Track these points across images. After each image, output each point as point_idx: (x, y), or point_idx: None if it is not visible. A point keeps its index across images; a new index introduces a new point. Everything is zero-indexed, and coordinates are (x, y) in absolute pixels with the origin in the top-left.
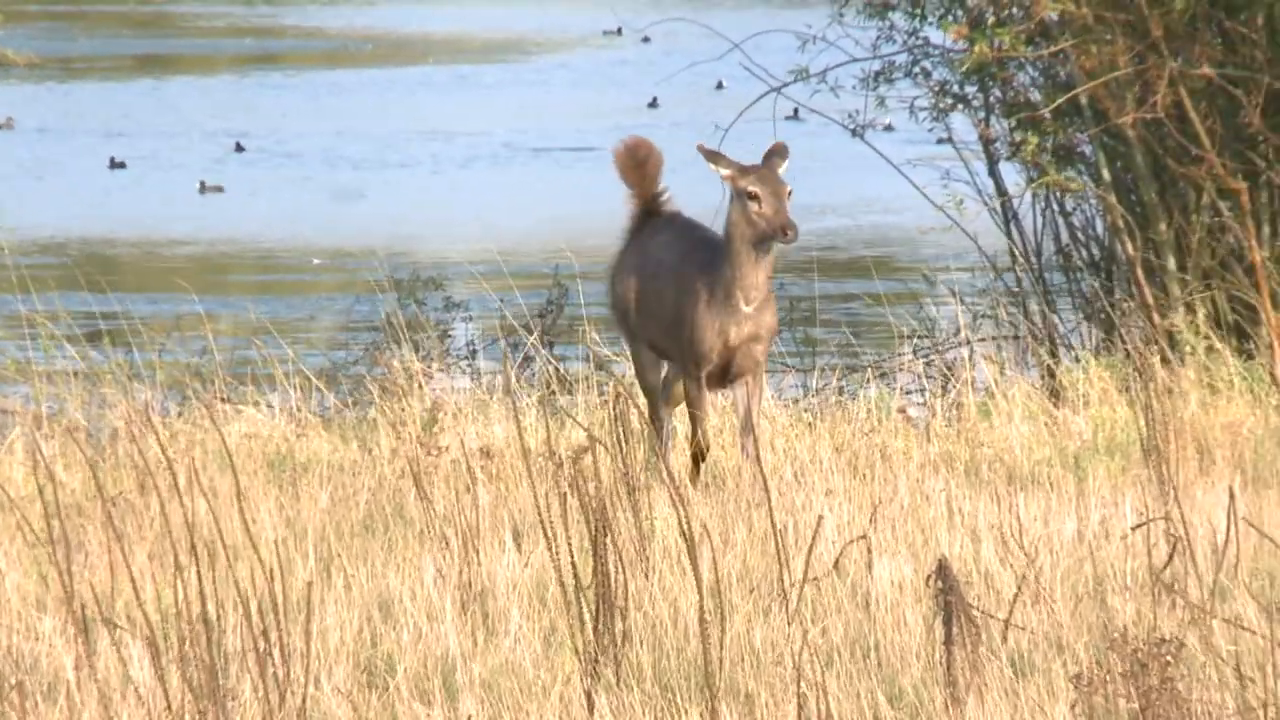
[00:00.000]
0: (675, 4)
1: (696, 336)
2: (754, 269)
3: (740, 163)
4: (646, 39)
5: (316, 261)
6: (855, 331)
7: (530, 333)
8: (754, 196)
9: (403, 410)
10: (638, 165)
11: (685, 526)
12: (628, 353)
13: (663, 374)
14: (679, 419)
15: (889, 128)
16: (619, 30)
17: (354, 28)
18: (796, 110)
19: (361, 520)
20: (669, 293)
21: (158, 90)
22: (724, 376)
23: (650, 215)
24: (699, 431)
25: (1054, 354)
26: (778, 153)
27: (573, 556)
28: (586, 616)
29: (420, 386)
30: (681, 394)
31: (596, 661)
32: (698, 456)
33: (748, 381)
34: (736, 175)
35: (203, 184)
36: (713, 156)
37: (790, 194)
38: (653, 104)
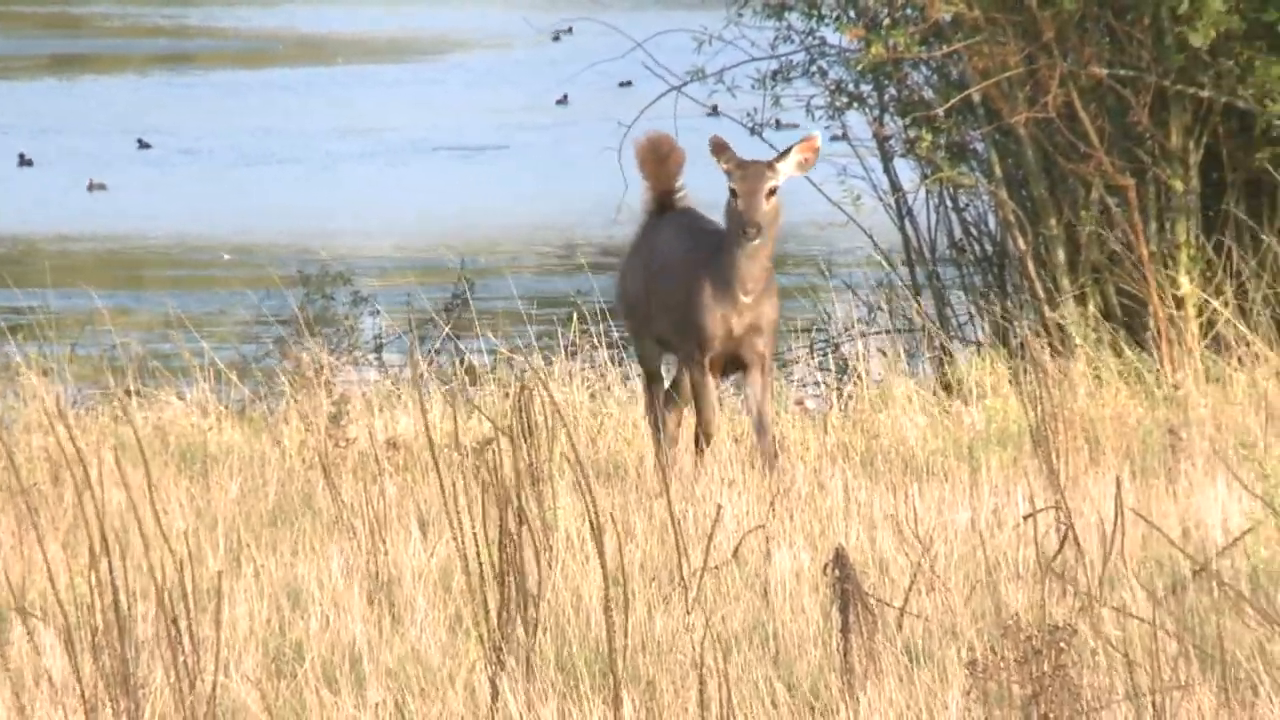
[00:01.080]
0: (575, 5)
1: (699, 323)
2: (748, 261)
3: (741, 157)
4: (557, 37)
5: (227, 257)
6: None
7: (436, 326)
8: (733, 192)
9: (311, 403)
10: (660, 160)
11: (592, 516)
12: (634, 349)
13: (668, 372)
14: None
15: (789, 125)
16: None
17: (264, 29)
18: (715, 108)
19: (271, 511)
20: (675, 285)
21: (69, 89)
22: (728, 366)
23: (664, 209)
24: (703, 420)
25: (947, 347)
26: (809, 147)
27: (478, 546)
28: (491, 605)
29: (328, 379)
30: (685, 399)
31: (501, 649)
32: (699, 442)
33: (755, 379)
34: (732, 169)
35: (90, 182)
36: (718, 149)
37: (773, 191)
38: (562, 101)
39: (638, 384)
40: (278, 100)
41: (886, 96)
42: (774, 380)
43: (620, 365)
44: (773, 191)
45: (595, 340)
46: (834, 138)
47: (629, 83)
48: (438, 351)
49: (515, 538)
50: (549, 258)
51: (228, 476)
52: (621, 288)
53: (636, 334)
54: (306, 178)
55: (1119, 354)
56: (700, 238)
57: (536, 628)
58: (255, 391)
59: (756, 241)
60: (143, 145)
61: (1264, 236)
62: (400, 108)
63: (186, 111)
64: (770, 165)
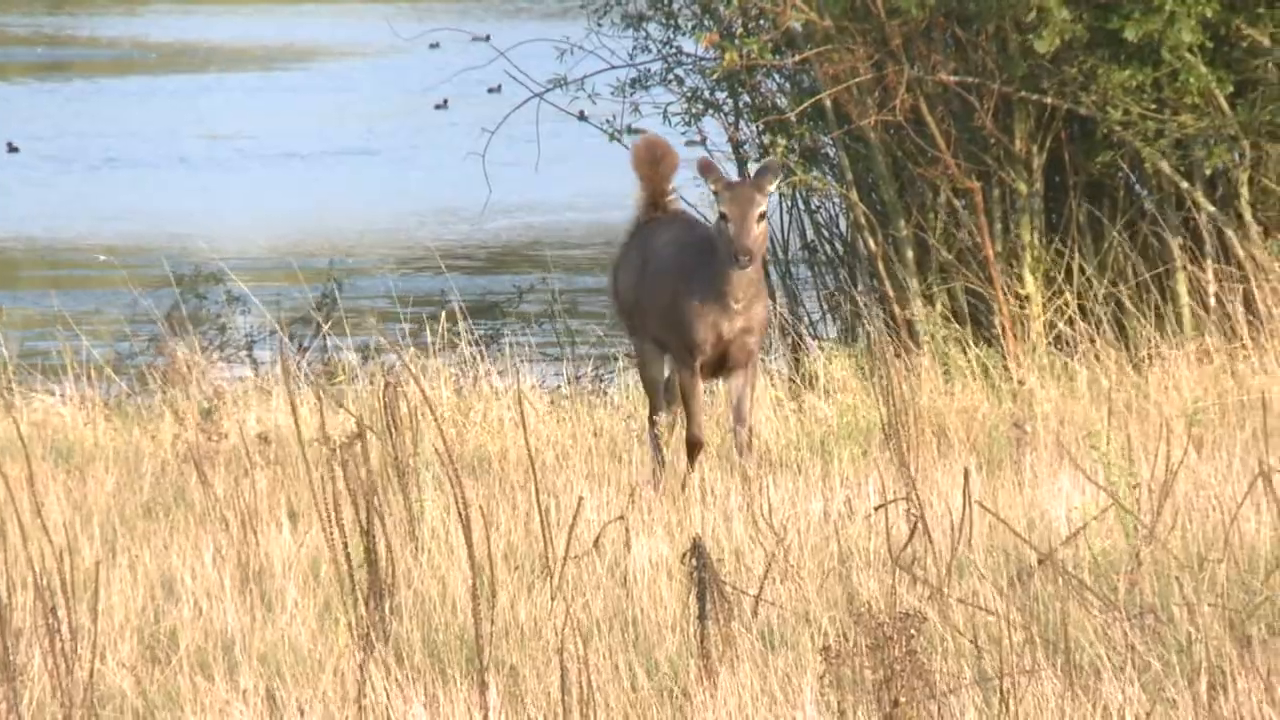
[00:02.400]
0: (445, 15)
1: (690, 328)
2: (739, 275)
3: (728, 179)
4: (436, 45)
5: (103, 258)
6: (612, 323)
7: (307, 325)
8: (724, 215)
9: (184, 399)
10: (654, 163)
11: (458, 508)
12: (632, 349)
13: (665, 371)
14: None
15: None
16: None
17: (134, 37)
18: (583, 112)
19: (145, 504)
20: (666, 289)
21: None
22: (718, 368)
23: (656, 210)
24: (694, 424)
25: (800, 344)
26: (770, 170)
27: (346, 537)
28: (359, 594)
29: (201, 376)
30: (679, 389)
31: (369, 637)
32: (693, 448)
33: (739, 374)
34: (720, 191)
35: None
36: (706, 170)
37: (763, 216)
38: (442, 105)
39: (499, 380)
40: (148, 106)
41: (741, 103)
42: (758, 375)
43: (484, 361)
44: (762, 216)
45: (460, 337)
46: (690, 143)
47: (498, 88)
48: (306, 349)
49: (382, 529)
50: (418, 258)
51: (104, 471)
52: (615, 290)
53: (634, 335)
54: (177, 181)
55: (966, 351)
56: (693, 244)
57: (404, 615)
58: (130, 388)
59: (750, 269)
60: (12, 149)
61: (1109, 234)
62: (271, 114)
63: (57, 117)
64: (759, 188)
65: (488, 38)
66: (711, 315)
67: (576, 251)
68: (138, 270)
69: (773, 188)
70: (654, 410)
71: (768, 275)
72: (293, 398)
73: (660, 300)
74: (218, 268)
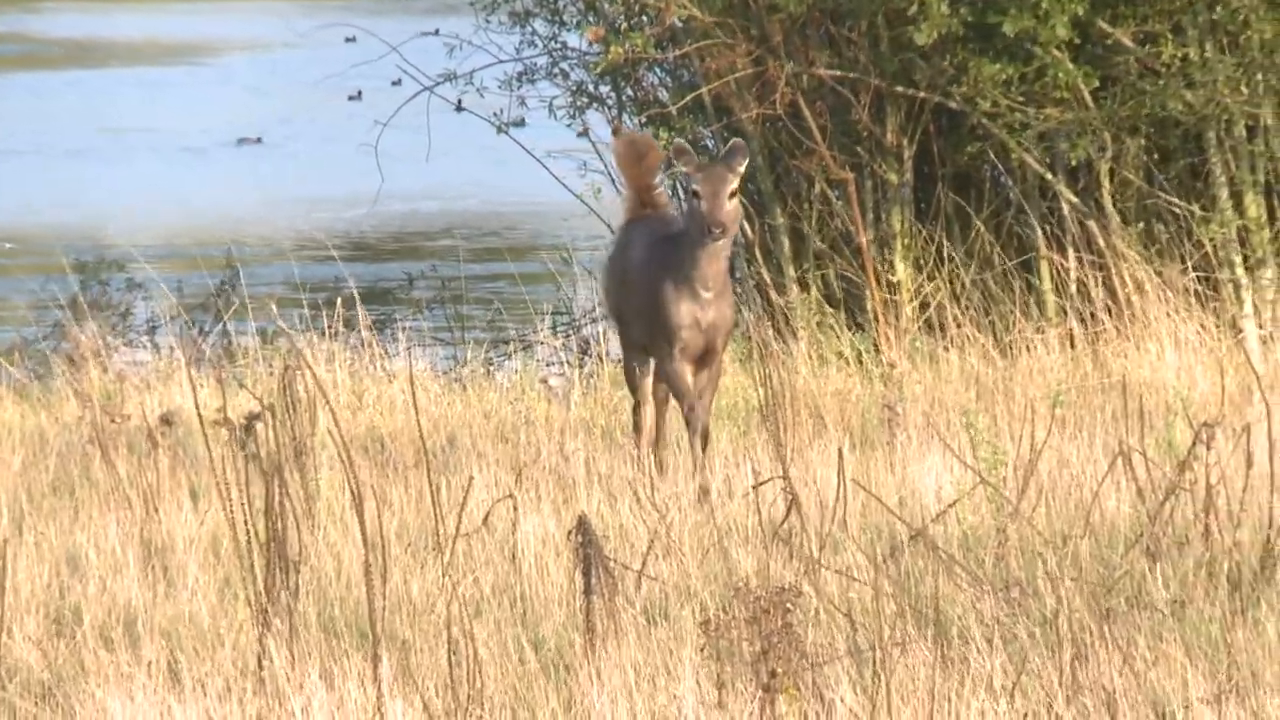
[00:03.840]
0: (336, 11)
1: (669, 316)
2: (708, 260)
3: (701, 161)
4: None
5: (9, 245)
6: (501, 309)
7: (207, 310)
8: (696, 194)
9: (88, 382)
10: (637, 159)
11: (352, 487)
12: (621, 356)
13: (650, 378)
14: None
15: (522, 122)
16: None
17: (34, 33)
18: (460, 102)
19: (51, 483)
20: (643, 288)
21: None
22: (701, 360)
23: (645, 207)
24: (695, 417)
25: None
26: (739, 150)
27: (245, 515)
28: (258, 570)
29: (104, 360)
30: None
31: (267, 612)
32: (700, 439)
33: (704, 372)
34: (692, 172)
35: None
36: (679, 153)
37: (735, 194)
38: (356, 97)
39: (393, 363)
40: (51, 100)
41: (624, 96)
42: (720, 377)
43: (377, 345)
44: (733, 194)
45: (355, 323)
46: (578, 134)
47: (399, 81)
48: (207, 333)
49: (279, 507)
50: (315, 246)
51: (9, 451)
52: (605, 296)
53: (622, 340)
54: (80, 173)
55: (840, 335)
56: (663, 240)
57: (300, 591)
58: (35, 371)
59: (721, 241)
60: None
61: (976, 224)
62: (173, 107)
63: None
64: (730, 167)
65: (353, 39)
66: (685, 303)
67: (465, 240)
68: (42, 258)
69: (743, 167)
70: (636, 412)
71: None
72: (193, 381)
73: (640, 302)
74: (120, 255)
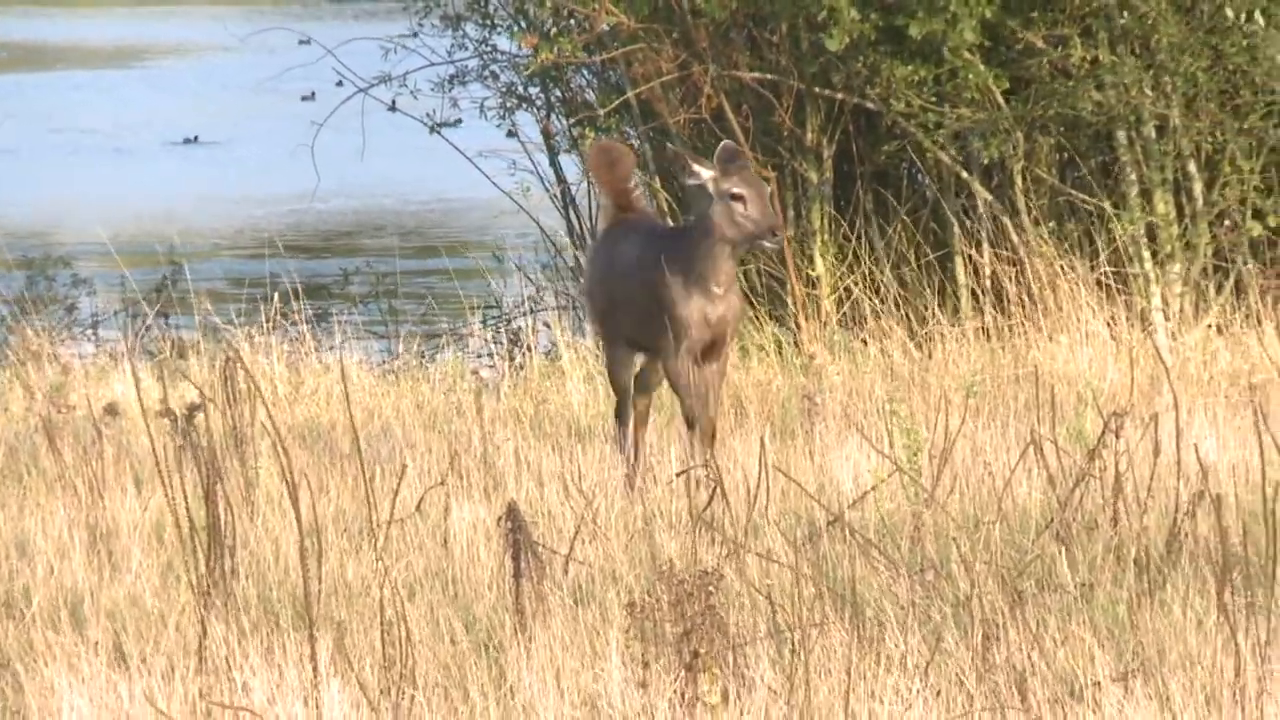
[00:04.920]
0: (276, 15)
1: (678, 316)
2: (727, 261)
3: (724, 164)
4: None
5: None
6: (433, 303)
7: (150, 305)
8: (739, 198)
9: (35, 373)
10: (610, 166)
11: (289, 475)
12: (604, 356)
13: (634, 372)
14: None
15: (458, 122)
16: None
17: None
18: (394, 102)
19: (0, 470)
20: (641, 288)
21: None
22: (707, 355)
23: (623, 212)
24: (689, 410)
25: None
26: (739, 154)
27: (187, 502)
28: (199, 554)
29: (51, 352)
30: (655, 383)
31: (208, 594)
32: (703, 440)
33: (712, 366)
34: (720, 177)
35: None
36: (691, 160)
37: (771, 194)
38: (309, 97)
39: (330, 356)
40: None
41: (553, 98)
42: (728, 367)
43: (314, 338)
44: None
45: (293, 316)
46: (508, 135)
47: (340, 83)
48: (149, 327)
49: (221, 494)
50: (253, 243)
51: None
52: (589, 298)
53: (608, 340)
54: (30, 173)
55: (762, 328)
56: (660, 240)
57: (241, 574)
58: None
59: (775, 245)
60: None
61: (894, 220)
62: (117, 108)
63: None
64: (750, 166)
65: (307, 41)
66: (696, 300)
67: (399, 236)
68: None
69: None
70: (621, 413)
71: (576, 257)
72: (136, 372)
73: (637, 302)
74: (66, 252)
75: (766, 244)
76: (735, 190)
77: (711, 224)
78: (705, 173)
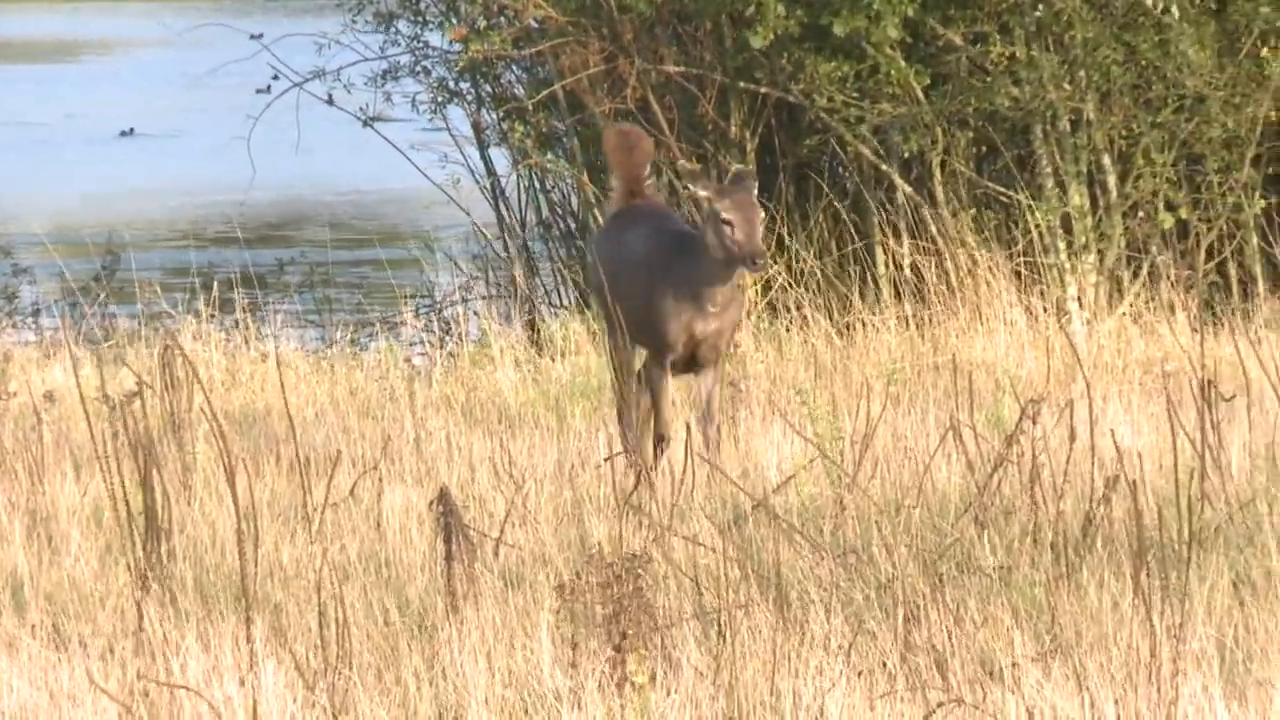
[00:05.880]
0: (211, 11)
1: (663, 328)
2: (722, 281)
3: (718, 184)
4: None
5: None
6: (366, 292)
7: (88, 293)
8: (727, 222)
9: None
10: (628, 150)
11: (225, 459)
12: (605, 340)
13: (632, 360)
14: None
15: (399, 119)
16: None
17: None
18: (330, 96)
19: None
20: (639, 284)
21: None
22: (688, 366)
23: (634, 197)
24: (660, 420)
25: (536, 311)
26: (748, 176)
27: (125, 486)
28: (137, 538)
29: None
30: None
31: (146, 577)
32: (658, 442)
33: (708, 372)
34: (714, 197)
35: None
36: (692, 176)
37: (764, 219)
38: (264, 90)
39: (269, 343)
40: None
41: (483, 92)
42: (723, 371)
43: (251, 326)
44: (763, 220)
45: (230, 305)
46: (438, 129)
47: (277, 77)
48: (87, 315)
49: (159, 478)
50: (191, 233)
51: None
52: (593, 278)
53: (608, 324)
54: None
55: None
56: (667, 240)
57: (178, 557)
58: None
59: (754, 272)
60: None
61: (816, 212)
62: (58, 101)
63: None
64: (753, 191)
65: (260, 35)
66: (686, 315)
67: (333, 227)
68: None
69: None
70: (621, 395)
71: (506, 247)
72: (75, 359)
73: (633, 297)
74: (6, 242)
75: (746, 270)
76: (724, 215)
77: (704, 242)
78: (701, 191)
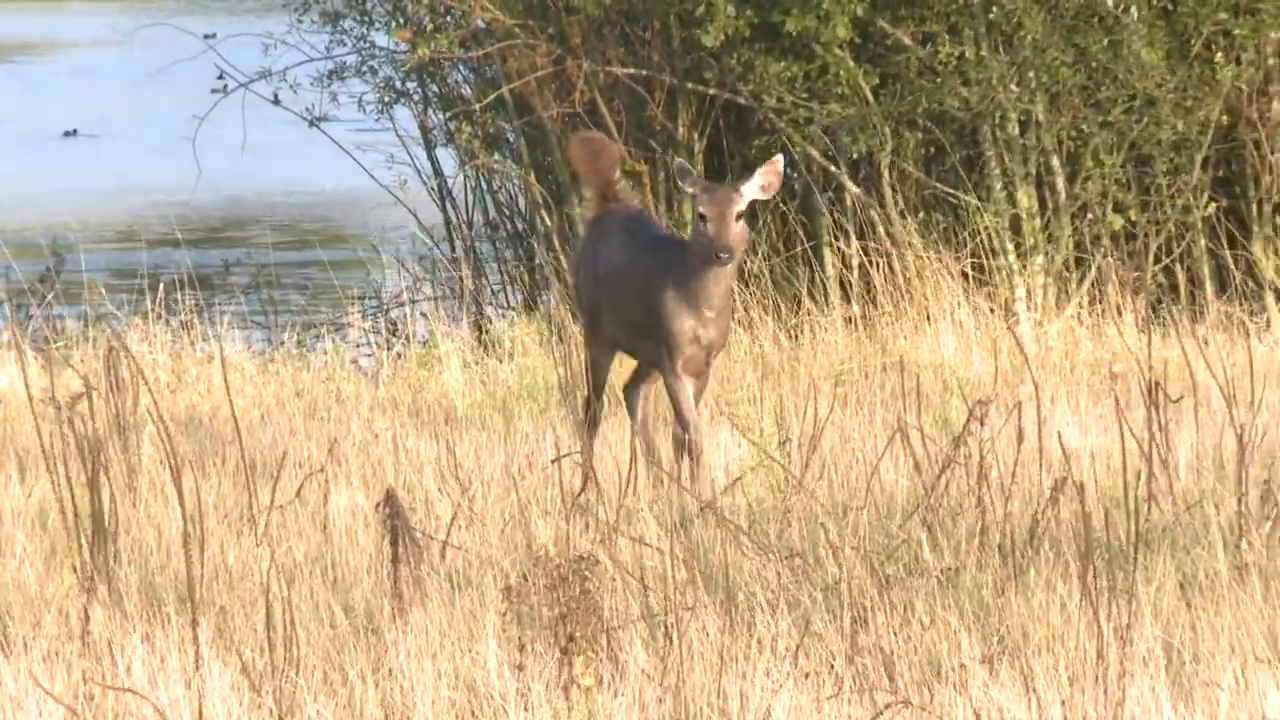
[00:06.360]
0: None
1: (673, 330)
2: (715, 281)
3: (706, 182)
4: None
5: None
6: (313, 294)
7: (34, 295)
8: (702, 216)
9: None
10: (593, 158)
11: (171, 461)
12: (584, 352)
13: (609, 374)
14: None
15: (347, 119)
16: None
17: None
18: (276, 95)
19: None
20: (633, 295)
21: None
22: (699, 369)
23: (608, 201)
24: (684, 421)
25: (483, 312)
26: (772, 170)
27: (71, 488)
28: (83, 540)
29: None
30: (651, 380)
31: (92, 579)
32: (689, 451)
33: (697, 381)
34: (698, 193)
35: None
36: (683, 173)
37: (741, 215)
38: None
39: (214, 345)
40: None
41: (430, 93)
42: (709, 382)
43: (196, 328)
44: (740, 215)
45: (176, 306)
46: (385, 129)
47: (221, 76)
48: (31, 317)
49: (105, 480)
50: (137, 234)
51: None
52: (576, 294)
53: (590, 338)
54: None
55: None
56: (652, 246)
57: (123, 560)
58: None
59: (729, 266)
60: None
61: (763, 213)
62: (2, 101)
63: None
64: (736, 189)
65: (213, 35)
66: (688, 319)
67: (279, 228)
68: None
69: (752, 188)
70: (589, 411)
71: (453, 248)
72: (21, 360)
73: (629, 309)
74: None
75: (714, 263)
76: (701, 209)
77: (694, 244)
78: (689, 188)
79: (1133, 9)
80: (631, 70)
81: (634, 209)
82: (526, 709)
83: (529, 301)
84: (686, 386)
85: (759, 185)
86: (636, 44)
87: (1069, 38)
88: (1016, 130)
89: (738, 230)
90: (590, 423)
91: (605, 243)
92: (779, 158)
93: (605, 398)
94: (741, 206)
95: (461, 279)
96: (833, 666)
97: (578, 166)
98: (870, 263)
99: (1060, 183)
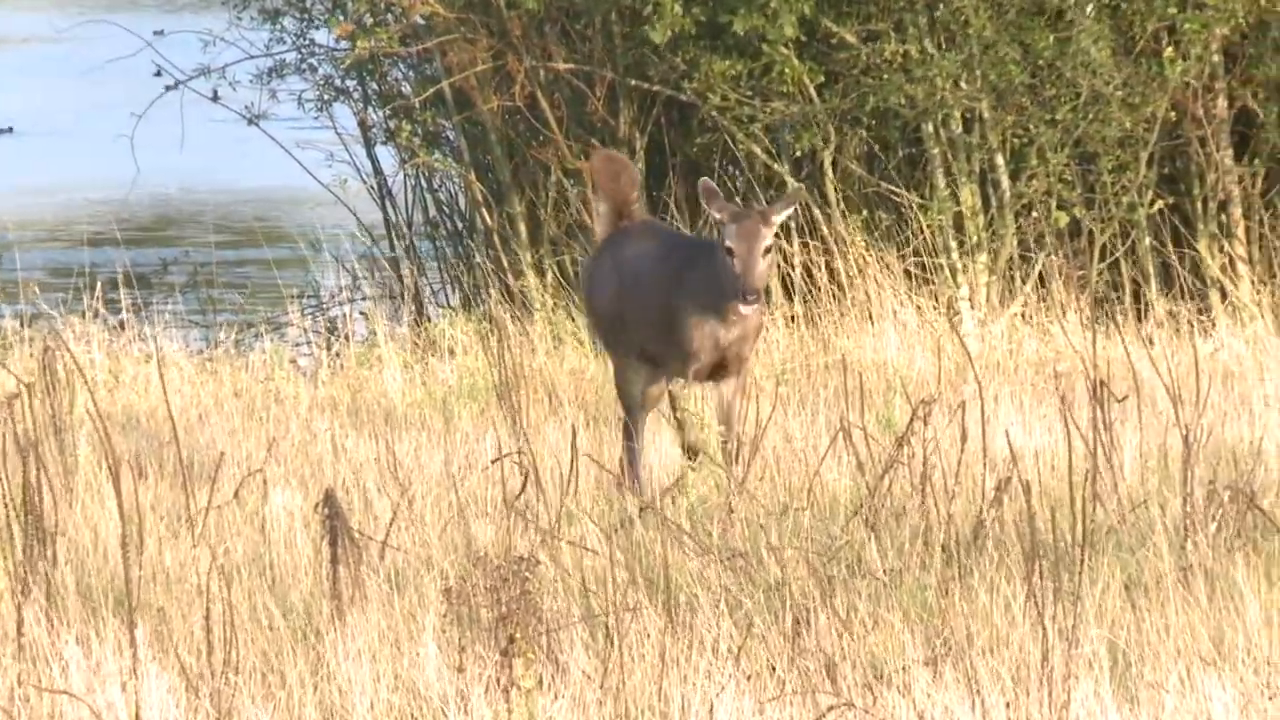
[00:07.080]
0: (95, 8)
1: (687, 338)
2: (728, 301)
3: (734, 207)
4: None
5: None
6: (251, 293)
7: None
8: (730, 251)
9: None
10: (615, 176)
11: (108, 462)
12: (612, 369)
13: (644, 385)
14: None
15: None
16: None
17: None
18: (216, 92)
19: None
20: (654, 300)
21: None
22: (713, 374)
23: (622, 219)
24: (690, 433)
25: (423, 311)
26: (789, 198)
27: (5, 489)
28: (17, 541)
29: None
30: (657, 397)
31: (26, 580)
32: (692, 453)
33: (730, 379)
34: (725, 221)
35: None
36: (710, 196)
37: (769, 250)
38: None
39: (152, 344)
40: None
41: (369, 90)
42: (750, 380)
43: (134, 327)
44: (768, 250)
45: (113, 305)
46: (324, 127)
47: (159, 73)
48: None
49: (39, 481)
50: (70, 232)
51: None
52: (591, 305)
53: (612, 349)
54: None
55: (574, 318)
56: (676, 252)
57: (59, 561)
58: None
59: (755, 306)
60: None
61: (704, 212)
62: None
63: None
64: (766, 218)
65: (161, 32)
66: (709, 325)
67: (217, 227)
68: None
69: (781, 217)
70: (632, 433)
71: (393, 247)
72: None
73: (649, 314)
74: None
75: (738, 303)
76: (727, 243)
77: (721, 275)
78: (716, 213)
79: (1088, 7)
80: (572, 66)
81: (647, 220)
82: (466, 711)
83: (470, 301)
84: (720, 390)
85: (786, 213)
86: (577, 40)
87: (1016, 35)
88: (960, 128)
89: (764, 268)
90: (632, 439)
91: (626, 255)
92: (800, 188)
93: (646, 413)
94: (769, 240)
95: (401, 278)
96: (775, 668)
97: (599, 181)
98: (813, 261)
99: (1004, 180)
